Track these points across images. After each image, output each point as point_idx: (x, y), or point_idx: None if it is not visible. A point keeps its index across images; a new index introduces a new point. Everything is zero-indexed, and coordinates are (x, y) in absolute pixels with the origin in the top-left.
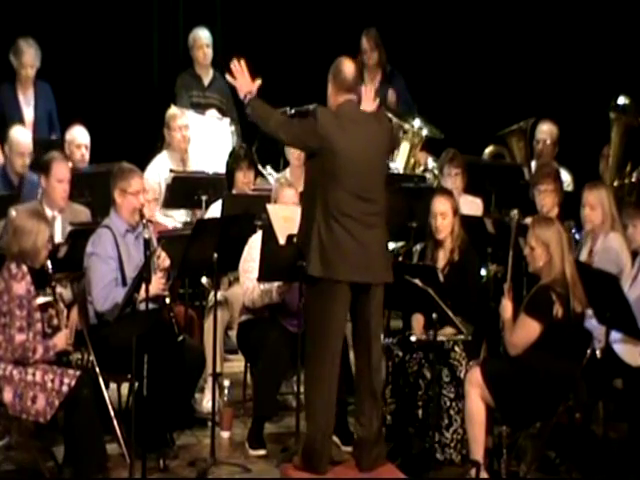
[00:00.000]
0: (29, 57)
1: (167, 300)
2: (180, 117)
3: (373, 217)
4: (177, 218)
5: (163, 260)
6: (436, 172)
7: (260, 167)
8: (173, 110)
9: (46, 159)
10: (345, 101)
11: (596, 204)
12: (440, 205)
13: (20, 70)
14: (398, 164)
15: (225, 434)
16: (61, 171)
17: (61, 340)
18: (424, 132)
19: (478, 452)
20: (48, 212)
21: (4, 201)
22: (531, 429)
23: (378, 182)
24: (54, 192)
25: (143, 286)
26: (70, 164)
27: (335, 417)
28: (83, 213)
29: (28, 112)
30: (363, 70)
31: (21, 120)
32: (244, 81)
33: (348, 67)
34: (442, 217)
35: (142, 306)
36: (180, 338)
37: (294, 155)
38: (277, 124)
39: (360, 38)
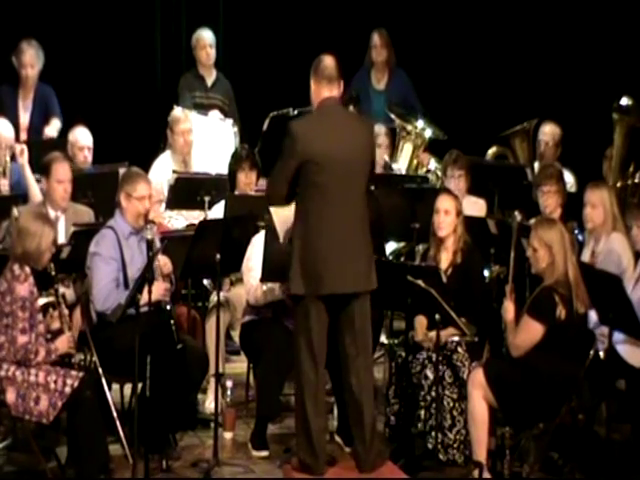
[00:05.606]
0: (28, 56)
1: (168, 307)
2: (183, 121)
3: (354, 223)
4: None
5: (165, 264)
6: (439, 173)
7: None
8: (177, 113)
9: (46, 160)
10: (326, 99)
11: (597, 203)
12: (444, 202)
13: (20, 70)
14: (401, 165)
15: (228, 435)
16: (61, 172)
17: (63, 343)
18: (427, 133)
19: (481, 453)
20: (51, 213)
21: (6, 201)
22: (534, 430)
23: (360, 185)
24: (55, 193)
25: (145, 288)
26: (72, 165)
27: (340, 419)
28: (86, 214)
29: (24, 117)
30: (370, 68)
31: (16, 123)
32: None
33: (328, 58)
34: (445, 214)
35: (144, 308)
36: (179, 346)
37: None
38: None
39: (364, 38)
